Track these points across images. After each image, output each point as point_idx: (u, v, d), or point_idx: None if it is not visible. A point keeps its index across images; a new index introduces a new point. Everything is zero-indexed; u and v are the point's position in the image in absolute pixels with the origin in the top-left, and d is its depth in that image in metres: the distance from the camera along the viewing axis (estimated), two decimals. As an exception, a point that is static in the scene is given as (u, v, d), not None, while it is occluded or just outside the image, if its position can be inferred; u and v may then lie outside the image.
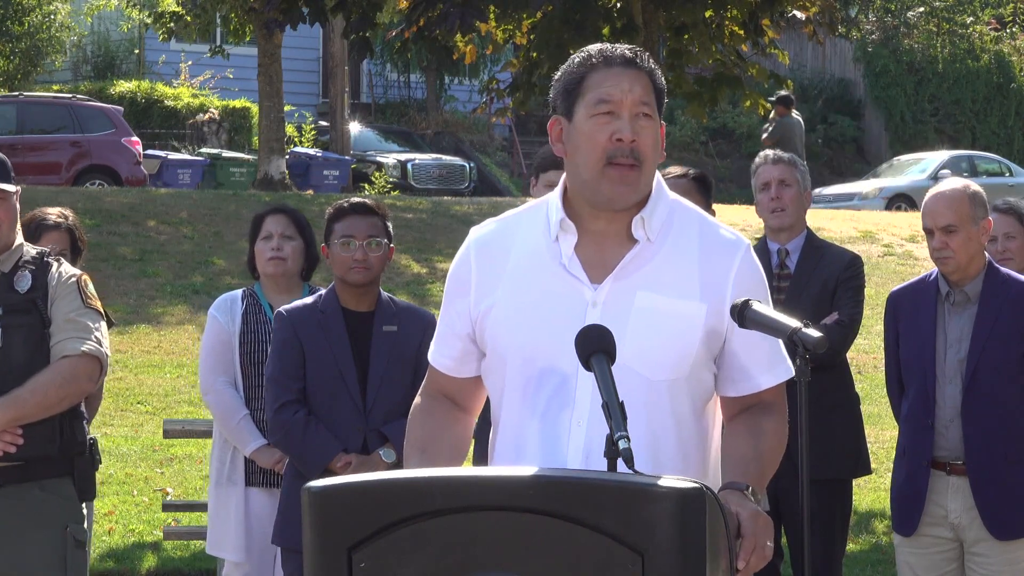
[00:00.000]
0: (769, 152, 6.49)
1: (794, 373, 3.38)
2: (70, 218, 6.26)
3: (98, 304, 5.08)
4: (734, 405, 3.44)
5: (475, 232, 3.50)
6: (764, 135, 20.98)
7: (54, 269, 5.05)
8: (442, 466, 3.33)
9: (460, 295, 3.47)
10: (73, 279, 5.05)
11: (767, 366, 3.41)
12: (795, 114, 21.16)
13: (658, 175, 3.44)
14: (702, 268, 3.36)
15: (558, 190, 3.45)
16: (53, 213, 6.24)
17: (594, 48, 3.42)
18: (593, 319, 3.28)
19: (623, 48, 3.40)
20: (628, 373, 3.22)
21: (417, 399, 3.58)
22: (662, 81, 3.41)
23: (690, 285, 3.34)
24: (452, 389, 3.54)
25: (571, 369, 3.27)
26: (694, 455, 3.38)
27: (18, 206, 5.10)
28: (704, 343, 3.34)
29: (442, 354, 3.53)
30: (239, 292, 6.28)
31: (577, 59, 3.42)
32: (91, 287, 5.10)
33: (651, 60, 3.41)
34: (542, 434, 3.32)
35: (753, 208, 6.60)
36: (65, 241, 6.12)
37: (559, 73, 3.45)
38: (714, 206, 5.69)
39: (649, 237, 3.36)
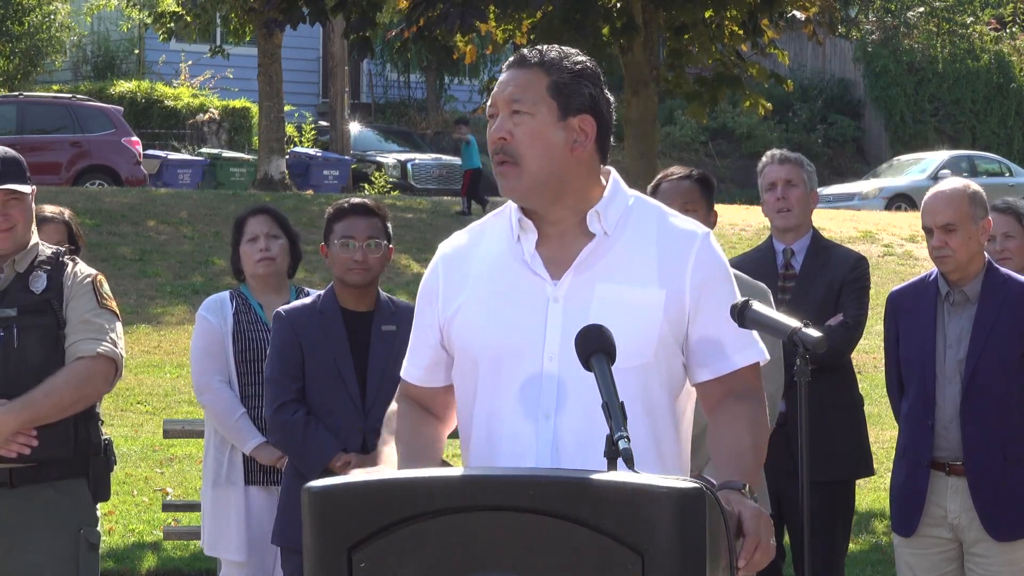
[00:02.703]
0: (776, 152, 6.49)
1: (767, 358, 3.46)
2: (67, 214, 6.26)
3: (113, 304, 5.06)
4: (712, 390, 3.43)
5: (443, 246, 3.56)
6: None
7: (69, 269, 5.03)
8: (416, 462, 3.38)
9: (429, 305, 3.52)
10: (88, 279, 5.03)
11: (738, 346, 3.42)
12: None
13: (614, 173, 3.48)
14: (660, 256, 3.38)
15: None
16: (49, 209, 6.23)
17: None
18: (556, 314, 3.33)
19: (527, 50, 3.42)
20: None
21: (392, 404, 3.63)
22: (562, 73, 3.37)
23: (648, 273, 3.37)
24: (424, 398, 3.58)
25: (536, 365, 3.33)
26: (667, 442, 3.40)
27: (34, 206, 5.09)
28: (667, 328, 3.36)
29: (413, 365, 3.58)
30: (226, 293, 6.27)
31: None
32: (106, 287, 5.08)
33: (564, 57, 3.39)
34: (512, 429, 3.35)
35: (753, 208, 6.61)
36: (62, 232, 6.10)
37: None
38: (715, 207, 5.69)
39: (606, 231, 3.39)
